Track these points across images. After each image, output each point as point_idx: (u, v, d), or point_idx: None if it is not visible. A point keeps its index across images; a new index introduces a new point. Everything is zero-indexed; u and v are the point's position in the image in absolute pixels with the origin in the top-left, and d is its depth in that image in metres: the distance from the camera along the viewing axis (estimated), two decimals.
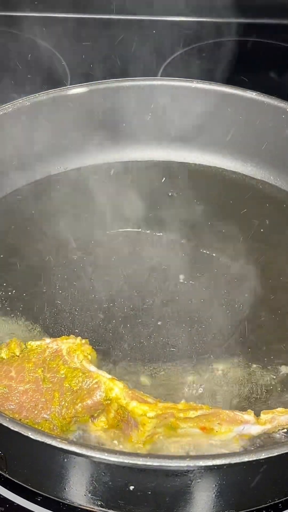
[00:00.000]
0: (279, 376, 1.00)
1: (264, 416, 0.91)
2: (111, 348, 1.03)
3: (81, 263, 1.15)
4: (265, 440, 0.92)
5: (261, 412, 0.92)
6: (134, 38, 1.67)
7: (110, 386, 0.91)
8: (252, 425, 0.90)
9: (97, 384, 0.91)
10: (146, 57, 1.61)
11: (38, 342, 0.97)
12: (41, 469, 0.88)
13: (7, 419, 0.82)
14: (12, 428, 0.81)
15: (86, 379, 0.92)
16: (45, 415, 0.90)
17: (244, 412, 0.91)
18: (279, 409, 0.92)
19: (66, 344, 0.96)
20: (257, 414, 0.92)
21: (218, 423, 0.90)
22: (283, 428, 0.92)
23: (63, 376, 0.93)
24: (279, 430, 0.92)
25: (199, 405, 0.91)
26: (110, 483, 0.84)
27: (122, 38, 1.67)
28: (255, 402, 0.97)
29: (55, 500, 0.90)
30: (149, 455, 0.82)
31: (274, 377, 1.00)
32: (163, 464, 0.79)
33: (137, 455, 0.82)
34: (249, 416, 0.91)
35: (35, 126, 1.26)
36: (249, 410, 0.92)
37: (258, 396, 0.98)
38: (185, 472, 0.80)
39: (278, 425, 0.91)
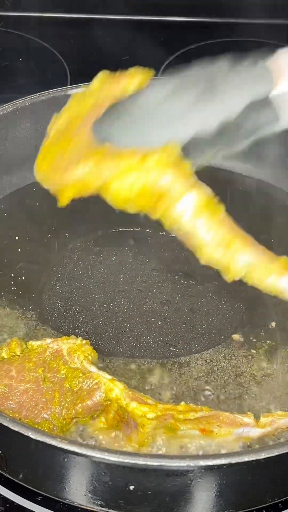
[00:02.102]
0: (281, 376, 1.00)
1: (264, 419, 0.91)
2: (111, 348, 1.03)
3: (81, 263, 1.15)
4: (265, 443, 0.92)
5: (261, 415, 0.92)
6: (134, 38, 1.67)
7: (110, 387, 0.91)
8: (251, 427, 0.90)
9: (97, 384, 0.91)
10: (146, 57, 1.61)
11: (38, 342, 0.97)
12: (41, 469, 0.88)
13: (7, 418, 0.82)
14: (12, 427, 0.81)
15: (86, 379, 0.92)
16: (45, 415, 0.91)
17: (244, 415, 0.91)
18: (279, 412, 0.92)
19: (66, 344, 0.96)
20: (257, 416, 0.92)
21: (218, 425, 0.90)
22: (283, 431, 0.91)
23: (64, 376, 0.93)
24: (278, 433, 0.92)
25: (199, 406, 0.91)
26: (110, 483, 0.84)
27: (122, 38, 1.67)
28: (255, 403, 0.97)
29: (55, 500, 0.90)
30: (149, 455, 0.82)
31: (276, 377, 1.00)
32: (163, 464, 0.79)
33: (137, 455, 0.82)
34: (248, 418, 0.91)
35: (35, 126, 1.26)
36: (249, 413, 0.92)
37: (259, 397, 0.98)
38: (185, 472, 0.81)
39: (277, 428, 0.91)
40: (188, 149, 0.79)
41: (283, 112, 0.79)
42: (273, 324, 1.06)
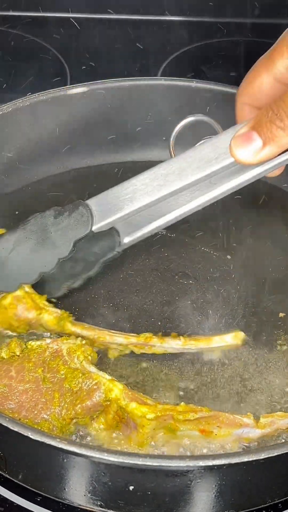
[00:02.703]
0: (282, 377, 1.00)
1: (263, 419, 0.91)
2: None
3: None
4: (264, 443, 0.91)
5: (261, 415, 0.92)
6: (134, 38, 1.67)
7: (110, 387, 0.91)
8: (251, 428, 0.90)
9: (97, 385, 0.91)
10: (146, 57, 1.61)
11: (38, 342, 0.97)
12: (41, 469, 0.88)
13: (7, 419, 0.82)
14: (12, 428, 0.81)
15: (86, 380, 0.92)
16: (44, 416, 0.90)
17: (243, 416, 0.91)
18: (279, 413, 0.92)
19: (66, 344, 0.96)
20: (257, 417, 0.92)
21: (218, 426, 0.89)
22: (283, 432, 0.91)
23: (63, 376, 0.93)
24: (278, 433, 0.91)
25: (199, 407, 0.91)
26: (110, 483, 0.84)
27: (121, 38, 1.67)
28: (255, 403, 0.97)
29: (55, 500, 0.90)
30: (149, 455, 0.82)
31: (277, 377, 1.00)
32: (163, 464, 0.79)
33: (137, 455, 0.82)
34: (248, 419, 0.91)
35: (35, 126, 1.26)
36: (248, 413, 0.92)
37: (259, 398, 0.97)
38: (185, 472, 0.81)
39: (277, 429, 0.91)
40: (43, 285, 1.02)
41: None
42: (278, 317, 1.07)
